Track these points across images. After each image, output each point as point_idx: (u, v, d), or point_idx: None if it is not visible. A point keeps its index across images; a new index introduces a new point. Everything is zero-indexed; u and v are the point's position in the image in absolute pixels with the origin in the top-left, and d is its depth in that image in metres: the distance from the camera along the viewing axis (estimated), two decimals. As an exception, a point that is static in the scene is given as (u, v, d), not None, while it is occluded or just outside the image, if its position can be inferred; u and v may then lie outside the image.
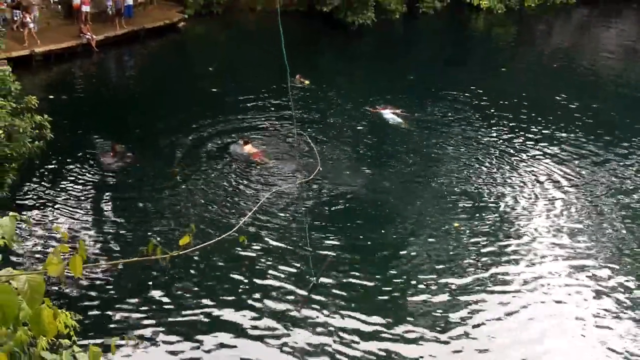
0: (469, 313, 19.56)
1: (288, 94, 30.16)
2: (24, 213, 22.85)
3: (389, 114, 33.26)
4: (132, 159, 27.95)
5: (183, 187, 26.22)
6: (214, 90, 35.74)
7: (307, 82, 37.02)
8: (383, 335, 18.67)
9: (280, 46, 10.88)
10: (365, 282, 20.77)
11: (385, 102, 34.57)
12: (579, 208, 25.58)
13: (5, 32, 32.24)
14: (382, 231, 23.96)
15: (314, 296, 19.86)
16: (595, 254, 22.64)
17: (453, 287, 20.69)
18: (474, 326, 19.08)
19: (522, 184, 27.21)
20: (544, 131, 32.29)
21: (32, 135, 18.81)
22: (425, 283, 20.86)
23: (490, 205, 25.62)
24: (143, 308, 19.28)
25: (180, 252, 5.16)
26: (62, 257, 4.33)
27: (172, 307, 19.37)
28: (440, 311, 19.64)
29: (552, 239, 23.51)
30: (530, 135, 31.70)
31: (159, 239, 21.31)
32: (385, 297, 20.26)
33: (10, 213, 5.29)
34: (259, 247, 22.19)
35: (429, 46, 49.30)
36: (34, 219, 22.98)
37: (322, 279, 20.48)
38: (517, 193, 26.49)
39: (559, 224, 24.45)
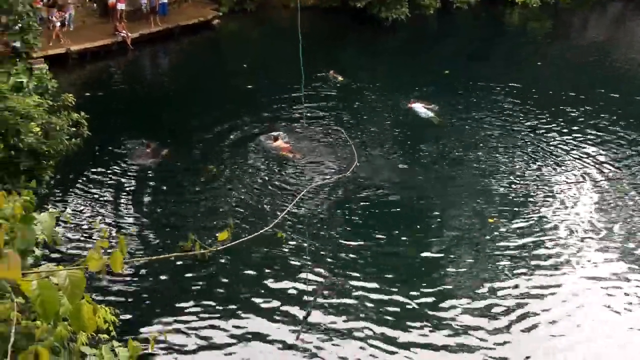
0: (506, 316, 19.39)
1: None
2: (62, 209, 23.07)
3: (421, 108, 33.15)
4: (167, 156, 28.10)
5: (220, 183, 26.32)
6: (248, 87, 35.81)
7: (341, 78, 36.99)
8: (418, 334, 18.64)
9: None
10: (400, 280, 20.75)
11: (418, 97, 34.43)
12: (620, 206, 25.21)
13: (41, 30, 32.48)
14: (418, 227, 23.89)
15: (341, 298, 19.88)
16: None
17: (489, 286, 20.57)
18: (511, 331, 18.90)
19: (559, 180, 26.96)
20: (581, 126, 31.99)
21: (69, 133, 18.93)
22: (460, 283, 20.77)
23: (526, 201, 25.42)
24: (182, 303, 19.39)
25: (219, 248, 5.17)
26: (102, 252, 4.37)
27: (210, 302, 19.47)
28: (478, 312, 19.54)
29: (591, 238, 23.17)
30: (567, 130, 31.40)
31: (196, 234, 21.40)
32: (421, 295, 20.20)
33: (50, 209, 5.33)
34: (295, 243, 22.23)
35: (463, 41, 48.99)
36: (71, 215, 23.17)
37: (355, 279, 20.52)
38: (554, 189, 26.26)
39: (598, 222, 24.11)
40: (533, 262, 21.63)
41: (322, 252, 21.88)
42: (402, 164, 28.19)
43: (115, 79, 38.53)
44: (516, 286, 20.49)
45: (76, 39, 39.17)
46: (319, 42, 45.25)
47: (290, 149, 28.87)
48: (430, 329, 18.73)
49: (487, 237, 23.05)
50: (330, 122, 31.64)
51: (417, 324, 18.86)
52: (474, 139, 30.61)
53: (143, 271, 20.62)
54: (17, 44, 29.26)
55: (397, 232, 23.39)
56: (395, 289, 20.22)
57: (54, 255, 20.08)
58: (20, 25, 28.46)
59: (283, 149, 28.87)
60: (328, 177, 26.74)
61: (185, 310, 19.13)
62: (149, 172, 27.06)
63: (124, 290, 19.75)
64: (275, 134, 29.93)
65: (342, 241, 22.50)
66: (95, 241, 21.16)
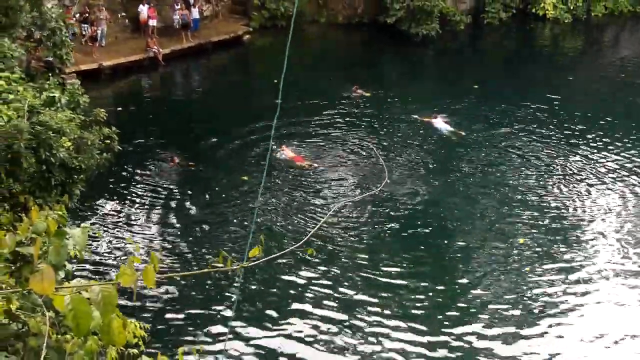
0: (534, 338, 19.29)
1: (354, 107, 30.30)
2: (93, 224, 23.22)
3: (440, 123, 33.10)
4: (194, 170, 28.27)
5: (249, 196, 26.38)
6: (278, 102, 35.80)
7: (366, 93, 36.97)
8: (441, 350, 18.59)
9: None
10: (429, 297, 20.69)
11: (437, 111, 34.35)
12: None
13: (74, 45, 32.80)
14: (448, 245, 23.84)
15: (373, 308, 19.84)
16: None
17: (518, 308, 20.45)
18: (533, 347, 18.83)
19: (591, 200, 26.74)
20: (612, 143, 31.72)
21: (101, 148, 19.07)
22: (487, 304, 20.68)
23: (556, 220, 25.24)
24: (211, 319, 19.44)
25: (250, 264, 5.17)
26: (134, 267, 4.39)
27: (240, 318, 19.50)
28: (510, 337, 19.44)
29: (622, 260, 22.94)
30: (599, 147, 31.16)
31: (227, 249, 21.44)
32: (447, 313, 20.15)
33: (82, 224, 5.37)
34: (325, 260, 22.23)
35: (493, 56, 48.91)
36: (103, 230, 23.32)
37: (381, 294, 20.52)
38: (586, 209, 26.02)
39: (632, 243, 23.88)
40: (562, 289, 21.44)
41: (350, 271, 21.85)
42: (432, 181, 28.10)
43: (147, 94, 38.79)
44: (548, 311, 20.34)
45: (108, 55, 39.50)
46: (348, 57, 45.35)
47: (300, 157, 29.10)
48: (459, 348, 18.67)
49: (518, 258, 22.89)
50: (358, 137, 31.64)
51: (445, 345, 18.82)
52: (503, 155, 30.49)
53: (173, 286, 20.68)
54: (50, 59, 29.61)
55: (427, 250, 23.39)
56: (425, 310, 20.19)
57: (85, 270, 20.23)
58: (53, 40, 28.80)
59: (295, 159, 29.32)
60: (358, 193, 26.74)
61: (215, 326, 19.17)
62: (178, 186, 27.20)
63: (154, 305, 19.83)
64: (284, 143, 30.37)
65: (372, 259, 22.49)
66: (125, 256, 21.34)
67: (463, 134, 32.30)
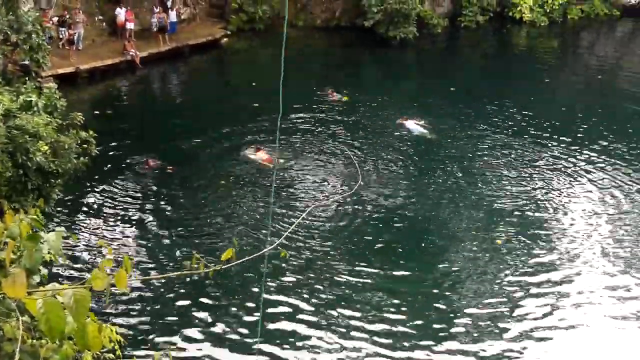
0: (508, 339, 19.41)
1: (328, 110, 30.44)
2: (69, 228, 23.13)
3: (412, 125, 33.26)
4: (171, 173, 28.26)
5: (223, 200, 26.41)
6: (255, 105, 35.84)
7: (345, 97, 37.03)
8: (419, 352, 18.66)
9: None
10: (405, 300, 20.76)
11: (411, 114, 34.49)
12: (629, 227, 25.17)
13: (50, 49, 32.65)
14: (422, 247, 23.96)
15: (349, 311, 19.88)
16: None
17: (495, 309, 20.58)
18: (513, 351, 18.94)
19: (568, 200, 26.94)
20: (590, 143, 31.96)
21: (78, 152, 19.03)
22: (465, 305, 20.79)
23: (532, 221, 25.41)
24: (186, 322, 19.44)
25: (223, 267, 5.19)
26: (106, 271, 4.40)
27: (215, 320, 19.52)
28: (480, 333, 19.56)
29: (597, 260, 23.10)
30: (575, 148, 31.37)
31: (200, 253, 21.45)
32: (424, 314, 20.24)
33: (57, 228, 5.37)
34: (298, 262, 22.26)
35: (471, 59, 49.16)
36: (78, 233, 23.24)
37: (358, 297, 20.58)
38: (563, 210, 26.21)
39: (605, 245, 24.04)
40: (540, 285, 21.61)
41: (325, 272, 21.90)
42: (406, 183, 28.21)
43: (124, 97, 38.70)
44: (521, 310, 20.48)
45: (86, 58, 39.34)
46: (326, 61, 45.45)
47: (271, 160, 29.24)
48: (434, 350, 18.76)
49: (495, 259, 23.02)
50: (334, 140, 31.71)
51: (422, 346, 18.90)
52: (478, 156, 30.67)
53: (147, 290, 20.67)
54: (27, 63, 29.43)
55: (402, 252, 23.46)
56: (399, 311, 20.27)
57: (60, 274, 20.15)
58: (29, 44, 28.64)
59: (264, 160, 29.42)
60: (332, 195, 26.82)
61: (190, 329, 19.17)
62: (155, 190, 27.18)
63: (128, 309, 19.80)
64: (257, 145, 30.49)
65: (346, 261, 22.53)
66: (99, 260, 21.30)
67: (434, 136, 32.46)
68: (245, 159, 29.76)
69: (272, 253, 18.76)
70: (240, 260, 5.26)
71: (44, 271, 5.60)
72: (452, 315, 20.22)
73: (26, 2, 27.26)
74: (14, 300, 4.81)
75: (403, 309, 20.32)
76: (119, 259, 19.68)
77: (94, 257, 22.09)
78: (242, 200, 26.41)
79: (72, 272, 20.99)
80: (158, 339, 18.74)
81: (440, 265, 22.72)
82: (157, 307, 20.06)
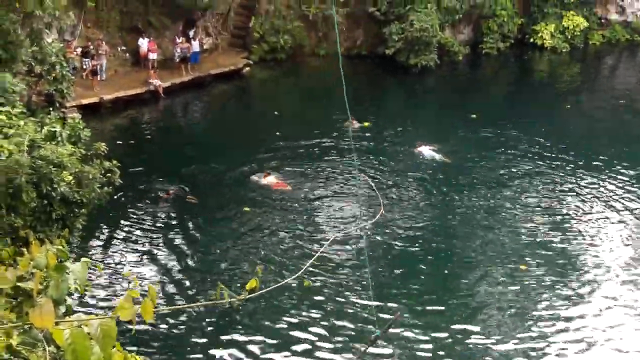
0: None
1: (350, 138, 30.54)
2: (94, 258, 23.23)
3: (427, 151, 33.26)
4: (192, 202, 28.35)
5: (247, 229, 26.44)
6: (278, 134, 35.99)
7: (366, 124, 37.07)
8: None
9: (342, 92, 10.78)
10: (429, 329, 20.63)
11: (425, 140, 34.48)
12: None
13: (74, 79, 32.97)
14: (447, 275, 23.86)
15: (376, 349, 19.75)
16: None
17: (521, 337, 20.42)
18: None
19: (589, 226, 26.76)
20: (612, 170, 31.77)
21: (101, 181, 19.14)
22: (490, 331, 20.64)
23: (556, 247, 25.26)
24: (211, 351, 19.43)
25: (248, 296, 5.21)
26: (132, 301, 4.43)
27: (239, 349, 19.50)
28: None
29: (622, 289, 22.93)
30: (598, 175, 31.19)
31: (225, 281, 21.50)
32: (450, 345, 20.11)
33: (83, 259, 5.42)
34: (320, 292, 22.21)
35: (492, 86, 49.14)
36: (103, 263, 23.33)
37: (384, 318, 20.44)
38: (584, 236, 26.05)
39: (631, 267, 23.89)
40: (564, 315, 21.45)
41: (349, 304, 21.81)
42: (428, 210, 28.16)
43: (147, 127, 38.90)
44: (550, 340, 20.31)
45: (109, 88, 39.66)
46: (347, 89, 45.42)
47: (282, 185, 29.42)
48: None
49: (519, 288, 22.88)
50: (355, 169, 31.68)
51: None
52: (500, 183, 30.57)
53: (172, 319, 20.68)
54: (51, 93, 29.74)
55: (426, 283, 23.40)
56: (425, 346, 20.16)
57: (85, 305, 20.23)
58: (54, 75, 28.95)
59: (275, 185, 29.60)
60: (354, 225, 26.77)
61: (216, 358, 19.16)
62: (178, 218, 27.24)
63: (154, 339, 19.82)
64: (266, 170, 30.76)
65: (367, 292, 22.47)
66: (125, 289, 21.35)
67: (450, 161, 32.47)
68: (255, 185, 29.91)
69: (295, 283, 18.80)
70: (264, 290, 5.28)
71: (69, 301, 5.64)
72: (478, 346, 20.09)
73: (50, 34, 27.52)
74: (41, 331, 4.85)
75: (426, 338, 20.21)
76: (142, 288, 19.79)
77: (117, 287, 22.19)
78: (264, 228, 26.41)
79: (97, 302, 21.07)
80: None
81: (463, 295, 22.60)
82: (180, 336, 20.07)
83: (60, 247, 5.80)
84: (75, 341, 4.07)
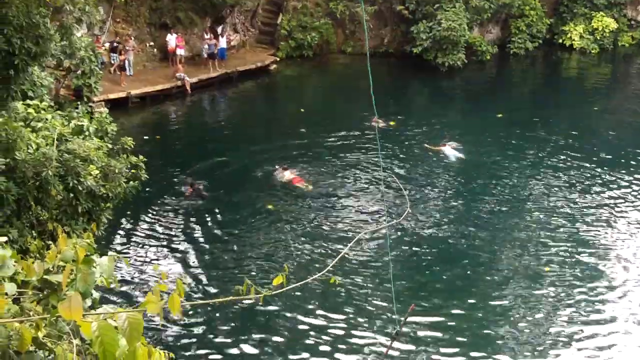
0: None
1: (376, 136, 30.51)
2: (118, 251, 23.34)
3: (449, 150, 33.21)
4: (216, 197, 28.49)
5: (273, 225, 26.46)
6: (302, 130, 36.02)
7: (392, 122, 37.02)
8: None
9: (367, 89, 10.70)
10: (452, 332, 20.56)
11: (448, 139, 34.40)
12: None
13: (102, 74, 33.13)
14: (471, 275, 23.75)
15: (398, 344, 19.70)
16: None
17: (545, 338, 20.32)
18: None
19: (616, 230, 26.53)
20: (638, 173, 31.51)
21: (128, 176, 19.19)
22: (514, 334, 20.55)
23: (582, 250, 25.07)
24: (236, 347, 19.48)
25: (274, 292, 5.21)
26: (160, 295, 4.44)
27: (265, 345, 19.53)
28: None
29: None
30: (626, 179, 30.91)
31: (251, 277, 21.58)
32: (473, 346, 20.04)
33: (110, 253, 5.44)
34: (346, 289, 22.20)
35: (519, 86, 48.89)
36: (128, 258, 23.44)
37: (407, 327, 20.37)
38: (611, 239, 25.84)
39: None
40: (587, 318, 21.30)
41: (373, 302, 21.78)
42: (452, 210, 28.07)
43: (174, 122, 39.06)
44: (574, 344, 20.19)
45: (136, 83, 39.86)
46: (374, 87, 45.41)
47: (301, 180, 29.59)
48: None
49: (543, 288, 22.76)
50: (381, 168, 31.64)
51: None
52: (527, 185, 30.38)
53: (198, 314, 20.75)
54: (80, 87, 29.92)
55: (448, 281, 23.31)
56: (448, 338, 20.10)
57: (111, 298, 20.33)
58: (82, 69, 29.12)
59: (293, 180, 29.74)
60: (380, 223, 26.72)
61: (240, 354, 19.19)
62: (204, 213, 27.30)
63: (178, 333, 19.89)
64: (283, 165, 30.79)
65: (390, 290, 22.43)
66: (148, 283, 21.43)
67: (468, 158, 32.63)
68: (277, 181, 30.04)
69: (321, 279, 18.78)
70: (289, 287, 5.27)
71: (96, 294, 5.66)
72: (501, 349, 20.03)
73: (79, 28, 27.62)
74: (68, 324, 4.88)
75: (449, 339, 20.15)
76: (169, 284, 19.85)
77: (143, 281, 22.31)
78: (288, 226, 26.42)
79: (122, 296, 21.18)
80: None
81: (489, 298, 22.51)
82: (206, 331, 20.13)
83: (88, 241, 5.82)
84: (103, 333, 4.09)
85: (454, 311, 21.43)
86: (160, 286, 4.54)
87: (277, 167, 30.76)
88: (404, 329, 19.94)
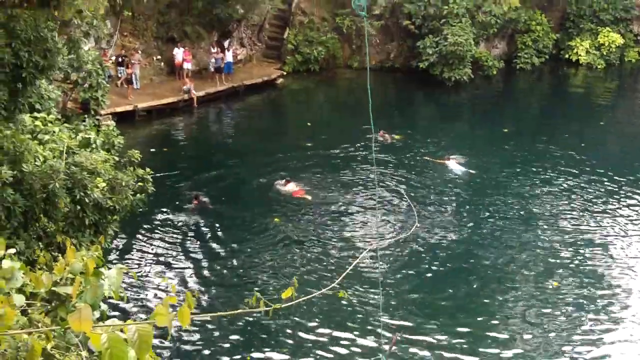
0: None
1: (372, 150, 30.68)
2: (124, 264, 23.33)
3: (453, 164, 33.27)
4: (221, 210, 28.53)
5: (280, 238, 26.45)
6: (308, 144, 36.05)
7: (397, 137, 37.07)
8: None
9: (370, 105, 10.65)
10: (458, 346, 20.52)
11: (452, 154, 34.46)
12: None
13: (109, 88, 33.24)
14: (478, 291, 23.70)
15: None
16: None
17: (553, 351, 20.27)
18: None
19: (625, 244, 26.49)
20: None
21: (134, 189, 19.24)
22: (522, 349, 20.49)
23: (589, 265, 25.00)
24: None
25: (283, 305, 5.22)
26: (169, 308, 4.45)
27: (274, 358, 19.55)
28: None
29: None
30: (632, 193, 30.90)
31: (260, 290, 21.57)
32: (478, 355, 19.99)
33: (117, 265, 5.45)
34: (354, 302, 22.16)
35: (525, 101, 48.89)
36: (135, 270, 23.46)
37: (416, 334, 20.36)
38: (619, 253, 25.78)
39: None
40: (599, 334, 21.23)
41: (373, 318, 21.75)
42: (461, 224, 28.01)
43: (180, 136, 39.12)
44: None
45: (143, 97, 39.94)
46: (379, 101, 45.59)
47: (302, 192, 29.67)
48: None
49: (550, 303, 22.71)
50: (388, 181, 31.66)
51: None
52: (531, 198, 30.35)
53: (206, 326, 20.73)
54: (87, 101, 30.03)
55: (458, 295, 23.27)
56: (456, 346, 20.07)
57: (117, 310, 20.34)
58: (89, 82, 29.22)
59: (295, 193, 29.79)
60: (388, 237, 26.71)
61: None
62: (209, 226, 27.30)
63: (186, 345, 19.89)
64: (285, 178, 30.85)
65: (401, 304, 22.43)
66: (153, 297, 21.43)
67: (474, 172, 32.61)
68: (278, 192, 30.11)
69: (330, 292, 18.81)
70: (296, 301, 5.28)
71: (104, 307, 5.67)
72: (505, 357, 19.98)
73: (87, 42, 27.76)
74: (76, 335, 4.89)
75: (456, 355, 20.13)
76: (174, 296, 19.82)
77: (149, 294, 22.34)
78: (294, 239, 26.39)
79: (128, 309, 21.18)
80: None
81: (494, 309, 22.47)
82: (213, 344, 20.11)
83: (96, 254, 5.83)
84: (112, 345, 4.10)
85: (460, 329, 21.37)
86: (170, 298, 4.55)
87: (279, 179, 30.83)
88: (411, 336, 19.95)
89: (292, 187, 30.07)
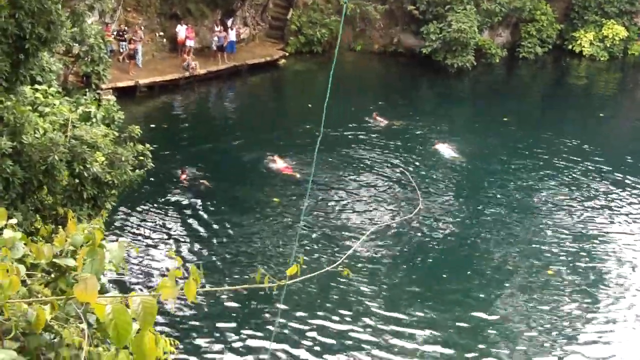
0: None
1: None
2: (124, 238, 23.32)
3: (444, 148, 33.46)
4: (211, 188, 28.50)
5: (285, 216, 26.47)
6: (308, 126, 35.98)
7: (397, 122, 37.07)
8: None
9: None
10: (454, 332, 20.58)
11: (443, 138, 34.68)
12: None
13: (111, 62, 33.10)
14: (474, 274, 23.75)
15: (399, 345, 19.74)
16: None
17: (547, 340, 20.31)
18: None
19: (619, 233, 26.57)
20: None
21: (134, 164, 19.18)
22: (516, 334, 20.55)
23: (586, 253, 25.07)
24: (246, 335, 19.51)
25: (288, 282, 5.18)
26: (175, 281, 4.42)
27: (267, 339, 19.56)
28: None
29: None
30: (629, 184, 30.92)
31: (264, 266, 21.65)
32: (472, 343, 20.06)
33: (120, 239, 5.42)
34: (359, 280, 22.24)
35: (526, 90, 48.88)
36: (135, 244, 23.44)
37: (415, 319, 20.43)
38: (618, 244, 25.85)
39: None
40: (592, 317, 21.33)
41: (383, 291, 21.86)
42: (463, 210, 28.11)
43: (181, 112, 39.02)
44: (576, 349, 20.19)
45: (145, 72, 39.82)
46: (382, 86, 45.57)
47: (290, 169, 29.97)
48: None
49: (545, 290, 22.77)
50: (392, 165, 31.66)
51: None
52: (528, 186, 30.49)
53: (206, 302, 20.76)
54: (88, 74, 29.86)
55: (457, 277, 23.35)
56: (453, 333, 20.16)
57: (118, 284, 20.40)
58: (91, 56, 29.06)
59: (283, 169, 30.17)
60: (392, 218, 26.82)
61: (250, 342, 19.23)
62: (209, 204, 27.29)
63: (186, 320, 19.95)
64: (274, 154, 31.24)
65: (402, 282, 22.51)
66: (154, 272, 21.42)
67: (463, 159, 32.78)
68: (267, 168, 30.57)
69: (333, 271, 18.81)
70: (303, 277, 5.24)
71: (103, 279, 5.65)
72: (499, 341, 20.04)
73: (91, 15, 27.63)
74: (77, 306, 4.86)
75: (452, 336, 20.18)
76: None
77: (145, 269, 22.35)
78: (295, 219, 26.37)
79: (124, 283, 21.18)
80: (212, 353, 18.86)
81: (491, 293, 22.53)
82: (214, 320, 20.15)
83: (97, 226, 5.79)
84: (117, 317, 4.06)
85: (457, 303, 21.51)
86: (176, 272, 4.51)
87: (268, 155, 31.10)
88: (410, 318, 20.00)
89: (279, 163, 30.19)
